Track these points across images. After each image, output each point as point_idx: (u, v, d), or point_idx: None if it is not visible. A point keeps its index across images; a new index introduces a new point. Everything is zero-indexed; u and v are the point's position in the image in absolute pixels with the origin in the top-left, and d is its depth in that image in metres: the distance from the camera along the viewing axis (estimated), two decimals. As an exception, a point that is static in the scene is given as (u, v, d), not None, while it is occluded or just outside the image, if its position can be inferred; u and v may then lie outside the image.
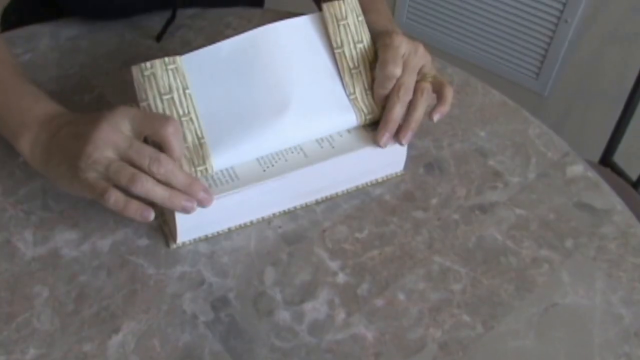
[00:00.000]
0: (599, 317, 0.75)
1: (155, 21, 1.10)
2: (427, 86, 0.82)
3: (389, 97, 0.81)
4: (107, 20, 1.09)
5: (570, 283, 0.78)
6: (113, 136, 0.69)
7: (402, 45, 0.82)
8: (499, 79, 2.21)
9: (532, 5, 2.00)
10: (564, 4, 1.94)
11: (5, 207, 0.80)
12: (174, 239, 0.77)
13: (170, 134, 0.70)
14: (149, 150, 0.69)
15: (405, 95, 0.80)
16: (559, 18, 1.97)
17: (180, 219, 0.74)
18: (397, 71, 0.81)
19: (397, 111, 0.80)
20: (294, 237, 0.80)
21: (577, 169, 0.92)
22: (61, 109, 0.78)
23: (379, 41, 0.84)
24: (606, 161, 1.53)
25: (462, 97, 1.01)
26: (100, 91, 0.96)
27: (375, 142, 0.81)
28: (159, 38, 1.06)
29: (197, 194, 0.71)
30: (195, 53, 0.79)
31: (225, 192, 0.75)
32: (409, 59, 0.82)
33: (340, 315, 0.73)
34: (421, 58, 0.83)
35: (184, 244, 0.78)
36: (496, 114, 0.99)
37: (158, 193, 0.69)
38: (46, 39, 1.05)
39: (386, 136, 0.80)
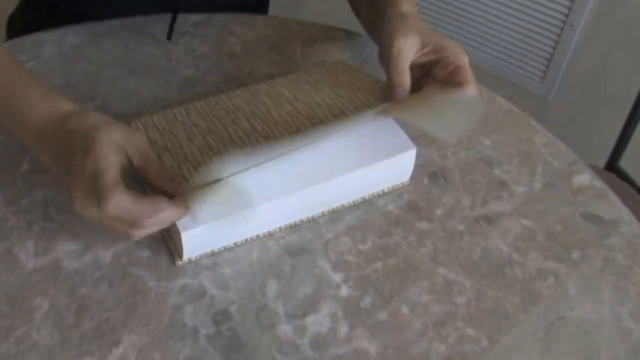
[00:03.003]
0: (607, 331, 0.74)
1: (159, 29, 1.09)
2: None
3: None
4: (105, 18, 1.09)
5: (577, 296, 0.77)
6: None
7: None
8: (504, 82, 2.20)
9: (537, 9, 1.99)
10: (570, 8, 1.93)
11: (7, 217, 0.80)
12: (180, 255, 0.76)
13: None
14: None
15: None
16: (564, 22, 1.95)
17: (186, 238, 0.73)
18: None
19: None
20: (296, 248, 0.79)
21: (584, 178, 0.91)
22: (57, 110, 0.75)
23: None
24: (612, 167, 1.52)
25: (468, 105, 1.00)
26: (103, 99, 0.95)
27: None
28: (169, 37, 1.08)
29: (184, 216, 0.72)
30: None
31: (232, 210, 0.74)
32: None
33: (343, 328, 0.72)
34: None
35: (189, 260, 0.77)
36: (502, 122, 0.98)
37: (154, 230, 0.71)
38: (50, 47, 1.05)
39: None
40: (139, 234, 0.69)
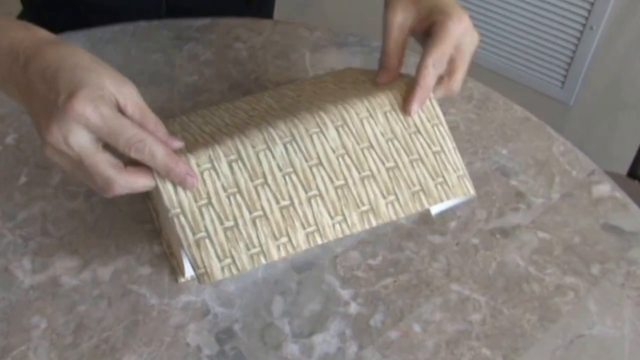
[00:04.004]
0: (628, 348, 0.71)
1: (163, 35, 1.07)
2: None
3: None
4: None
5: (597, 312, 0.74)
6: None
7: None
8: (523, 88, 2.17)
9: (556, 12, 1.96)
10: (589, 11, 1.90)
11: (4, 233, 0.78)
12: (182, 273, 0.74)
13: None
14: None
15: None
16: (584, 25, 1.92)
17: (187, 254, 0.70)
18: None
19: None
20: (304, 264, 0.76)
21: (604, 188, 0.87)
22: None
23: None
24: (635, 174, 1.48)
25: (483, 113, 0.97)
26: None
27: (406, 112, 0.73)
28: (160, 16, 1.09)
29: (182, 177, 0.63)
30: None
31: None
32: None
33: (352, 348, 0.70)
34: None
35: (192, 277, 0.74)
36: (518, 130, 0.95)
37: (140, 186, 0.63)
38: (51, 54, 1.02)
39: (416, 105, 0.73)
40: (120, 178, 0.60)
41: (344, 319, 0.72)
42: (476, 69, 2.27)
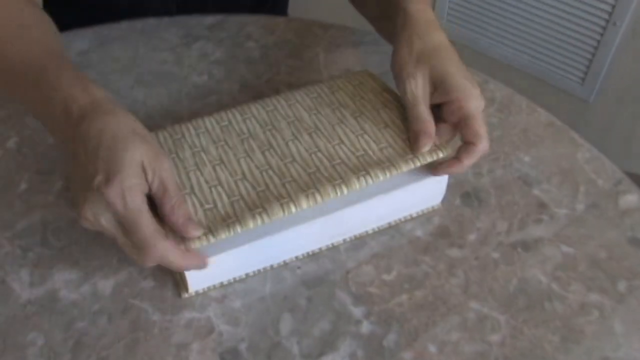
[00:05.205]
0: (657, 373, 0.67)
1: (172, 32, 1.03)
2: None
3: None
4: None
5: (624, 333, 0.70)
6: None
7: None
8: (543, 84, 2.13)
9: (579, 7, 1.92)
10: (613, 6, 1.86)
11: (2, 243, 0.75)
12: (186, 288, 0.71)
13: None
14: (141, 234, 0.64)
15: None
16: (607, 21, 1.89)
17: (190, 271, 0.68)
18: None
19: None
20: (314, 279, 0.73)
21: (632, 198, 0.83)
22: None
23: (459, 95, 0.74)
24: (658, 175, 1.44)
25: (505, 117, 0.93)
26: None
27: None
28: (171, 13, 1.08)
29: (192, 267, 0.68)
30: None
31: (246, 239, 0.69)
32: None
33: (364, 370, 0.66)
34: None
35: (197, 292, 0.71)
36: (542, 135, 0.91)
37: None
38: (56, 52, 0.99)
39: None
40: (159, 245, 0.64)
41: (356, 339, 0.68)
42: (496, 65, 2.24)
